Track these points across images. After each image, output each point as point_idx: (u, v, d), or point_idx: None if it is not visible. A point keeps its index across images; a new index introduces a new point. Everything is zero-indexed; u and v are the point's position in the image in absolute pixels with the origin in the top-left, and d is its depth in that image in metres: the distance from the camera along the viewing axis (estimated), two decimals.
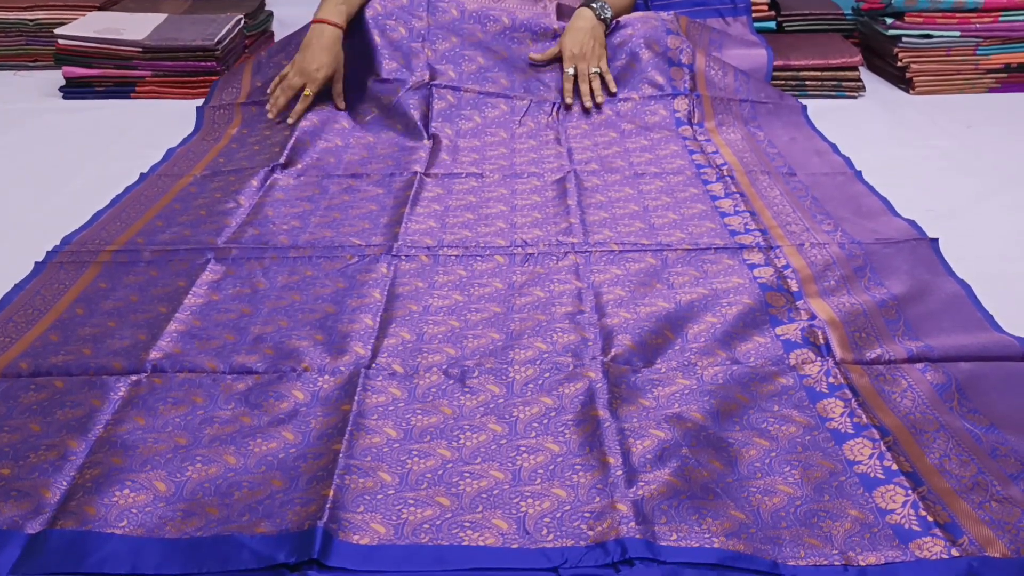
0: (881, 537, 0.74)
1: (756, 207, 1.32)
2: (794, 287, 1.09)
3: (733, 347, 0.99)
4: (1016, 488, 0.78)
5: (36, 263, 1.16)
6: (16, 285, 1.11)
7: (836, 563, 0.71)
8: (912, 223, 1.26)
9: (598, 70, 1.64)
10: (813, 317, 1.03)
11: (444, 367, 0.96)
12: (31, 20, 2.00)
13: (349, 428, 0.85)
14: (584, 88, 1.63)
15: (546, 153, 1.55)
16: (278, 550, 0.71)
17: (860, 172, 1.45)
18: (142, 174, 1.45)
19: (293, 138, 1.52)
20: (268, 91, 1.64)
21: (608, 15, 1.68)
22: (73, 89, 1.82)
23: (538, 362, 0.97)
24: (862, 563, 0.71)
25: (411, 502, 0.77)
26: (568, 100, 1.64)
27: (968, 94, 1.84)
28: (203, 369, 0.96)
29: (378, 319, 1.05)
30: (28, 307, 1.07)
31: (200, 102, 1.76)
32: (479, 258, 1.19)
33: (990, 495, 0.77)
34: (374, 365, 0.96)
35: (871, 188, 1.40)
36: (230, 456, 0.83)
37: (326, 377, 0.94)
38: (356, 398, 0.90)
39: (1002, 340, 0.98)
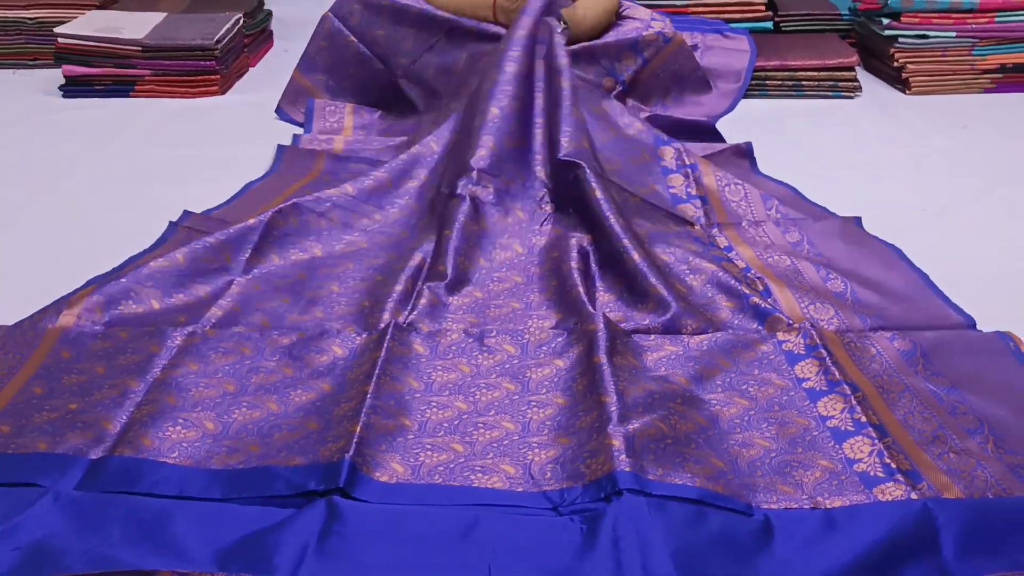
0: (848, 483, 0.88)
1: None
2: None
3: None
4: (972, 441, 0.93)
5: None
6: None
7: (805, 507, 0.85)
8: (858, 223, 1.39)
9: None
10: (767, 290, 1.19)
11: (464, 328, 1.11)
12: (31, 19, 2.16)
13: (377, 372, 1.00)
14: None
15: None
16: (309, 479, 0.86)
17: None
18: (172, 222, 1.37)
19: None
20: None
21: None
22: (73, 88, 1.98)
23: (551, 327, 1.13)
24: (828, 506, 0.85)
25: (428, 447, 0.92)
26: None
27: (964, 94, 2.00)
28: (255, 325, 1.12)
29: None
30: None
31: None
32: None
33: (948, 447, 0.92)
34: (405, 323, 1.11)
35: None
36: (272, 404, 0.99)
37: (364, 336, 1.09)
38: (385, 345, 1.04)
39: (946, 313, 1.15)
